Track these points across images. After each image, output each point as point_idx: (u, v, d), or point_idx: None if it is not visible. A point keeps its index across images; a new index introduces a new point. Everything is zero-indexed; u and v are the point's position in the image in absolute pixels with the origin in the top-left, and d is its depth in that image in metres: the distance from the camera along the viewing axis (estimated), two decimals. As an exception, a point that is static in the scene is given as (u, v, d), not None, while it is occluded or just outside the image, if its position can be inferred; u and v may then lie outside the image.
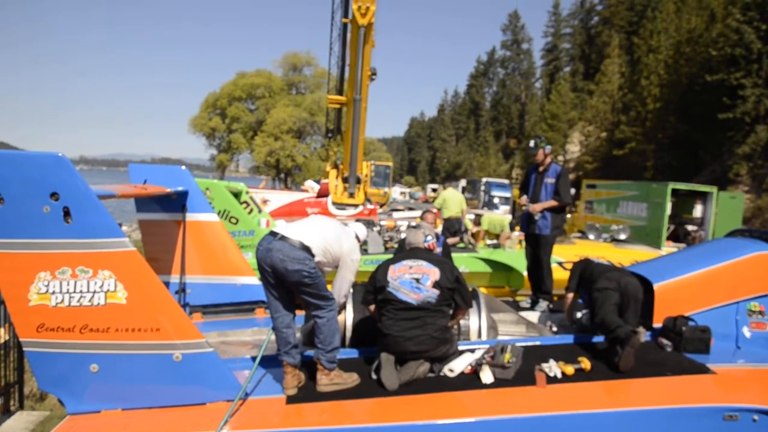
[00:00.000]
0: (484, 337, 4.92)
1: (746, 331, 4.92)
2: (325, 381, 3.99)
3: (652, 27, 44.36)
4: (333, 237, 4.19)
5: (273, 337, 4.10)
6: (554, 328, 5.95)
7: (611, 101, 48.66)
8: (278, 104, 51.50)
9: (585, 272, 5.43)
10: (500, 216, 12.57)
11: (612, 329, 4.48)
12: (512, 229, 11.44)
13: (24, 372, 6.72)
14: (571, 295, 5.64)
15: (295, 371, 4.02)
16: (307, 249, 3.94)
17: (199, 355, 3.64)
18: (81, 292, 3.41)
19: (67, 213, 3.27)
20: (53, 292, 3.39)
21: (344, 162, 19.99)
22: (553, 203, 7.05)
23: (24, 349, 3.55)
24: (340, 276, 4.35)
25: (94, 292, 3.42)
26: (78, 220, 3.30)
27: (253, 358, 4.18)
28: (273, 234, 4.00)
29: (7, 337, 6.36)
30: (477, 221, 11.70)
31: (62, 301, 3.41)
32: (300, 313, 4.62)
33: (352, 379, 4.08)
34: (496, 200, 33.33)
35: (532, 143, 7.15)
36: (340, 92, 21.46)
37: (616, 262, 5.97)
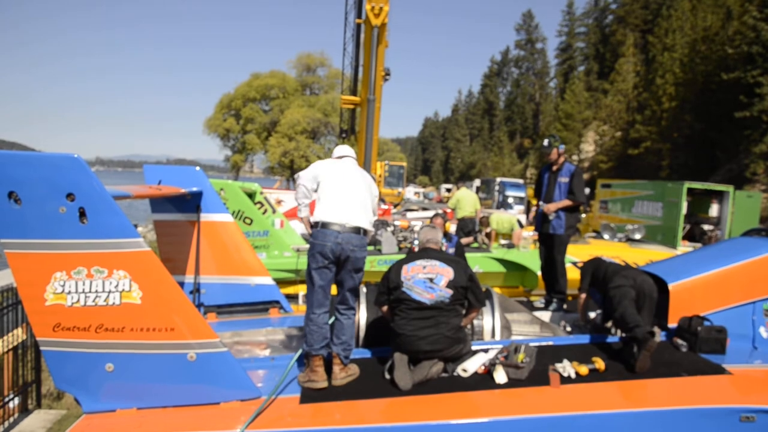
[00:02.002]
0: (497, 337, 4.91)
1: (763, 332, 4.87)
2: (343, 375, 4.12)
3: (667, 25, 44.06)
4: (368, 196, 4.45)
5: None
6: (568, 328, 5.92)
7: (626, 100, 48.38)
8: (292, 105, 51.61)
9: (598, 272, 5.39)
10: (508, 215, 12.53)
11: (631, 327, 4.45)
12: (521, 226, 11.40)
13: (41, 371, 6.79)
14: (584, 295, 5.61)
15: (323, 365, 4.12)
16: (366, 233, 4.25)
17: (214, 354, 3.66)
18: (96, 291, 3.44)
19: (82, 213, 3.31)
20: (69, 292, 3.43)
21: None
22: (567, 203, 7.02)
23: (41, 348, 3.58)
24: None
25: (110, 292, 3.46)
26: (93, 220, 3.33)
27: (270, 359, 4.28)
28: (329, 226, 4.12)
29: (24, 337, 6.44)
30: (485, 222, 11.65)
31: (78, 300, 3.44)
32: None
33: (356, 370, 4.25)
34: (510, 200, 33.17)
35: (546, 142, 7.12)
36: (353, 93, 21.52)
37: (631, 261, 5.93)
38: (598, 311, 5.50)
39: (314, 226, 4.20)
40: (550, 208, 7.04)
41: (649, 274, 5.13)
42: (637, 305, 4.83)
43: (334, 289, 4.32)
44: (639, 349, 4.26)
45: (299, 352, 4.29)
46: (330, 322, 4.29)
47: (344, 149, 4.81)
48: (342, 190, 4.33)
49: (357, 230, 4.16)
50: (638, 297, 4.86)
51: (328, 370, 4.15)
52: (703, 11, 38.66)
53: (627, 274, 5.03)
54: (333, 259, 4.10)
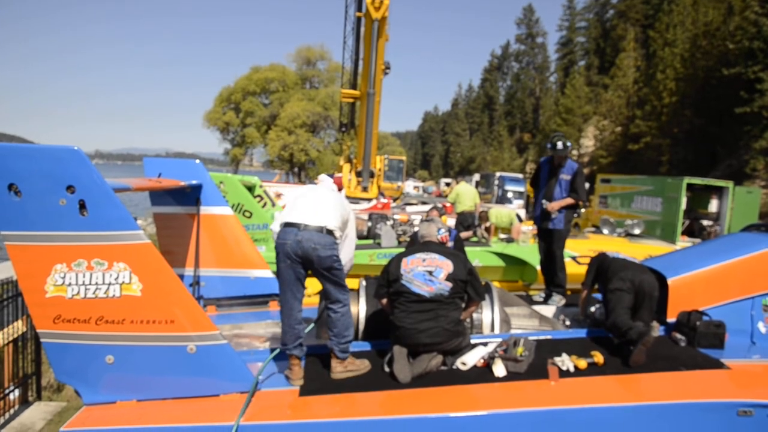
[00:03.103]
0: (496, 331, 4.92)
1: (761, 327, 4.89)
2: (340, 369, 4.10)
3: (668, 20, 43.93)
4: (338, 205, 4.35)
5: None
6: (567, 322, 5.93)
7: (626, 95, 48.27)
8: (292, 98, 51.55)
9: (602, 267, 5.37)
10: (507, 210, 12.54)
11: (624, 331, 4.48)
12: (521, 220, 11.41)
13: (41, 363, 6.81)
14: (585, 292, 5.61)
15: (300, 363, 4.10)
16: (330, 233, 4.09)
17: (213, 347, 3.67)
18: (96, 284, 3.45)
19: (82, 206, 3.31)
20: (69, 284, 3.43)
21: (358, 156, 20.02)
22: (569, 201, 7.01)
23: (41, 340, 3.60)
24: (349, 236, 4.54)
25: (110, 284, 3.46)
26: (93, 213, 3.33)
27: (272, 350, 4.32)
28: (291, 225, 4.06)
29: (24, 329, 6.45)
30: (484, 216, 11.66)
31: (78, 293, 3.44)
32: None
33: (364, 365, 4.21)
34: (509, 195, 33.12)
35: (560, 145, 6.93)
36: (353, 86, 21.49)
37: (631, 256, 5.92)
38: (598, 305, 5.51)
39: None
40: (553, 206, 7.01)
41: (651, 271, 5.12)
42: (635, 304, 4.83)
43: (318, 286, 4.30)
44: (635, 346, 4.28)
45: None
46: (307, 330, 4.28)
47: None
48: (308, 198, 4.33)
49: (320, 229, 4.04)
50: (637, 296, 4.84)
51: (328, 365, 4.16)
52: (704, 6, 38.52)
53: (625, 275, 4.99)
54: (296, 258, 3.98)
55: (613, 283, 4.98)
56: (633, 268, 5.16)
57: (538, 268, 7.72)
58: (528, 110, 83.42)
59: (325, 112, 50.61)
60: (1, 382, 6.19)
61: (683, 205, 15.58)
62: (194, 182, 5.50)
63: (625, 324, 4.53)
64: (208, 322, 3.68)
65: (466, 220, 12.11)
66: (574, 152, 53.00)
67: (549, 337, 4.90)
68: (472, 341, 4.46)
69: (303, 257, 3.98)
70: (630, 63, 50.32)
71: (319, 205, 4.23)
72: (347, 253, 4.56)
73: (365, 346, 4.66)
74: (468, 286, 4.36)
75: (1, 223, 3.30)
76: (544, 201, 7.18)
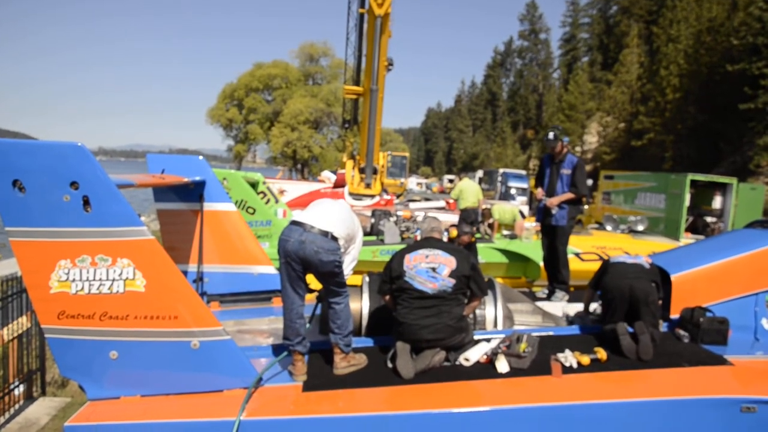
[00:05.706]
0: (499, 327, 4.93)
1: (765, 323, 4.87)
2: (344, 364, 4.11)
3: (671, 16, 43.88)
4: (349, 219, 4.33)
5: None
6: (570, 319, 5.93)
7: (630, 91, 48.23)
8: (295, 95, 51.53)
9: (604, 274, 5.24)
10: (510, 206, 12.51)
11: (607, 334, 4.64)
12: (524, 217, 11.39)
13: (46, 359, 6.83)
14: (590, 291, 5.57)
15: (303, 359, 4.10)
16: (335, 239, 4.05)
17: (217, 342, 3.68)
18: (100, 279, 3.46)
19: (86, 202, 3.31)
20: (73, 280, 3.44)
21: (361, 153, 20.01)
22: (569, 196, 6.98)
23: (45, 336, 3.61)
24: (351, 254, 4.49)
25: (113, 280, 3.47)
26: (97, 208, 3.33)
27: (275, 347, 4.32)
28: (298, 224, 4.04)
29: (29, 325, 6.47)
30: (487, 213, 11.65)
31: (82, 288, 3.45)
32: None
33: (363, 359, 4.23)
34: (512, 191, 33.11)
35: (551, 135, 6.99)
36: (356, 83, 21.45)
37: (634, 254, 5.87)
38: (600, 302, 5.49)
39: None
40: (552, 202, 7.00)
41: (649, 271, 5.02)
42: (632, 311, 4.75)
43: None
44: (617, 341, 4.44)
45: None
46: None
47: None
48: (323, 204, 4.35)
49: (324, 233, 3.99)
50: (631, 305, 4.75)
51: (330, 360, 4.17)
52: (708, 2, 38.45)
53: (616, 285, 4.84)
54: (296, 258, 3.93)
55: (605, 294, 4.97)
56: (628, 274, 4.92)
57: (542, 264, 7.72)
58: (531, 107, 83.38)
59: (328, 109, 50.57)
60: (6, 378, 6.22)
61: (687, 202, 15.51)
62: (197, 178, 5.50)
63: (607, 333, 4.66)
64: (211, 318, 3.69)
65: (469, 217, 12.10)
66: (578, 149, 52.95)
67: (552, 333, 4.90)
68: (475, 337, 4.47)
69: (303, 260, 3.94)
70: (633, 59, 50.24)
71: (328, 211, 4.23)
72: (347, 264, 4.44)
73: (368, 342, 4.66)
74: (471, 282, 4.36)
75: (5, 219, 3.31)
76: (544, 197, 7.17)
